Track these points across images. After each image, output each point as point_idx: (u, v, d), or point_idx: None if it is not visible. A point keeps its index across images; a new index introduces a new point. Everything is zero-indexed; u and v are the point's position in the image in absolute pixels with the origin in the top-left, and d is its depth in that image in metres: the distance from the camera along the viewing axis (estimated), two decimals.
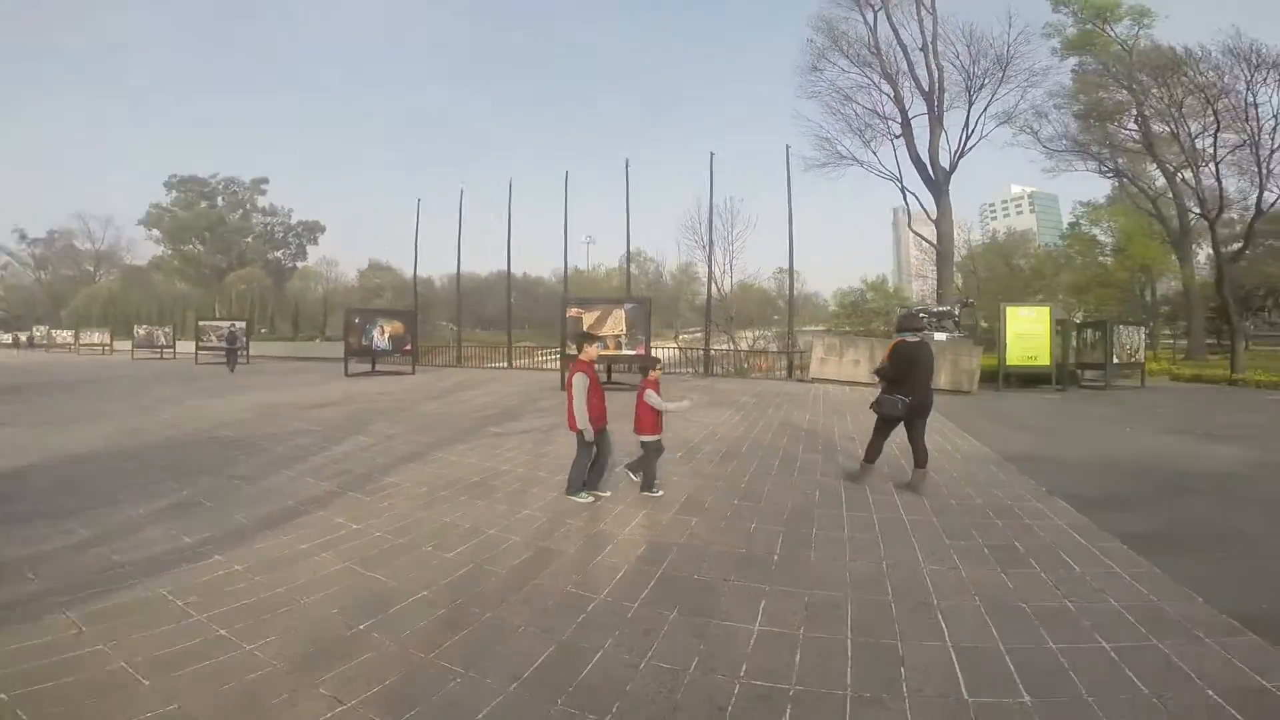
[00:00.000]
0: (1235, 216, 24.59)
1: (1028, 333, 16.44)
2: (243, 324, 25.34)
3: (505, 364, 21.59)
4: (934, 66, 21.79)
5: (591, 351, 5.08)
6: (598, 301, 15.23)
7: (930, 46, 21.74)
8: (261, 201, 61.61)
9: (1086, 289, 32.08)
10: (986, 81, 21.60)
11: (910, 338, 5.62)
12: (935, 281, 27.88)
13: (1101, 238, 34.19)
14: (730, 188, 58.95)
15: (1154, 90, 20.36)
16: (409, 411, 10.17)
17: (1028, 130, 24.06)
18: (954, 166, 21.18)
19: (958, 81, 22.05)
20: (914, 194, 21.86)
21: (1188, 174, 23.22)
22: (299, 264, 63.11)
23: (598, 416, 4.88)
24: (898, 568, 3.69)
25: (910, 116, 21.68)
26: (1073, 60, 25.02)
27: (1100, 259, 34.10)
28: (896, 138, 22.19)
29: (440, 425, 8.74)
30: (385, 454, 6.72)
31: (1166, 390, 16.07)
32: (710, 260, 19.61)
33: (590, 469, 5.04)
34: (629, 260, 23.09)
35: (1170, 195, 26.99)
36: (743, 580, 3.45)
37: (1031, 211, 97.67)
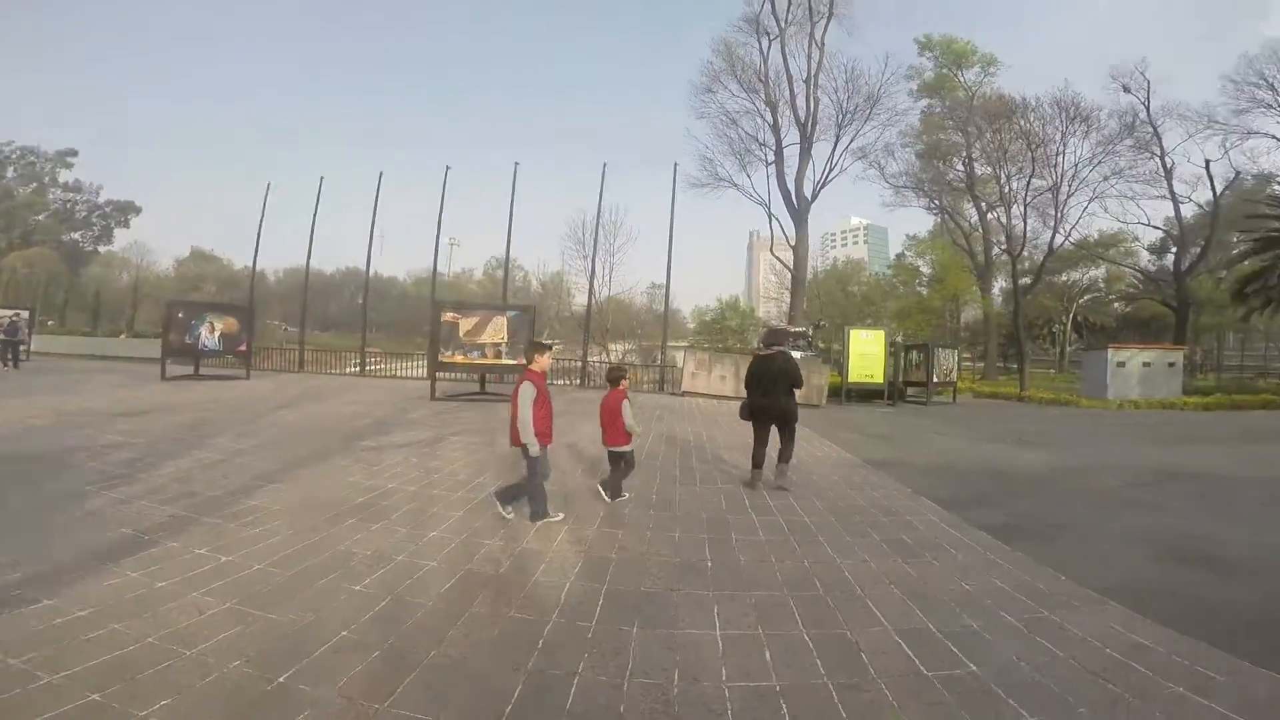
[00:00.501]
0: (1028, 254, 30.52)
1: (866, 353, 18.64)
2: (25, 313, 20.26)
3: (357, 370, 19.66)
4: (813, 99, 24.24)
5: (543, 361, 4.80)
6: (476, 307, 14.51)
7: (813, 79, 24.15)
8: (66, 176, 50.60)
9: (909, 315, 37.50)
10: (855, 117, 24.44)
11: (763, 351, 6.35)
12: (785, 304, 30.88)
13: (924, 269, 40.23)
14: (617, 200, 60.14)
15: (985, 134, 24.51)
16: (255, 422, 8.80)
17: (876, 166, 27.77)
18: (815, 196, 23.73)
19: (830, 115, 24.77)
20: (778, 219, 24.12)
21: (999, 213, 28.15)
22: (102, 248, 52.47)
23: (545, 431, 4.59)
24: (818, 564, 3.97)
25: (784, 145, 23.80)
26: (924, 102, 29.25)
27: (918, 288, 40.19)
28: (769, 164, 24.28)
29: (299, 439, 7.68)
30: (238, 472, 5.74)
31: (973, 405, 19.24)
32: (593, 271, 19.73)
33: (514, 484, 4.78)
34: (508, 265, 22.35)
35: (980, 232, 32.62)
36: (688, 588, 3.47)
37: (865, 242, 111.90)
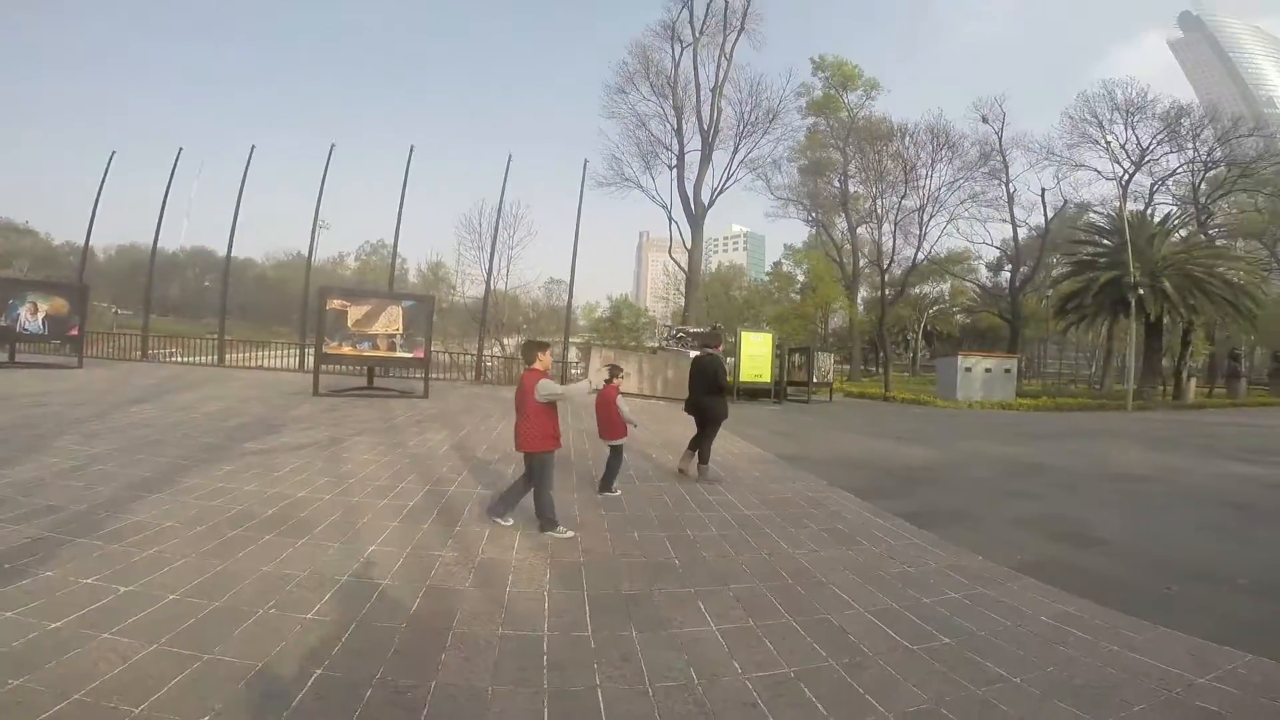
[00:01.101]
0: (891, 267, 33.96)
1: (757, 354, 19.74)
2: None
3: (215, 360, 17.29)
4: (717, 108, 25.26)
5: (545, 360, 4.56)
6: (367, 294, 13.40)
7: (719, 89, 25.11)
8: None
9: (786, 319, 40.39)
10: (755, 129, 25.92)
11: (695, 353, 6.81)
12: (673, 304, 31.96)
13: (800, 277, 43.45)
14: (521, 194, 57.91)
15: (862, 155, 26.96)
16: (106, 420, 7.44)
17: (763, 177, 29.62)
18: (712, 202, 24.84)
19: (732, 125, 26.08)
20: (676, 222, 24.90)
21: (869, 228, 31.12)
22: None
23: (554, 434, 4.41)
24: (775, 555, 4.19)
25: (685, 150, 24.65)
26: (810, 120, 31.49)
27: (792, 294, 43.41)
28: (672, 167, 24.95)
29: (168, 440, 6.62)
30: (103, 481, 4.84)
31: (847, 404, 21.12)
32: (491, 262, 18.93)
33: (509, 492, 4.59)
34: (396, 250, 20.73)
35: (850, 245, 35.91)
36: (667, 587, 3.51)
37: (745, 249, 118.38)
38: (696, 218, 22.51)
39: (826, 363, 22.61)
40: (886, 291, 40.19)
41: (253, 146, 18.94)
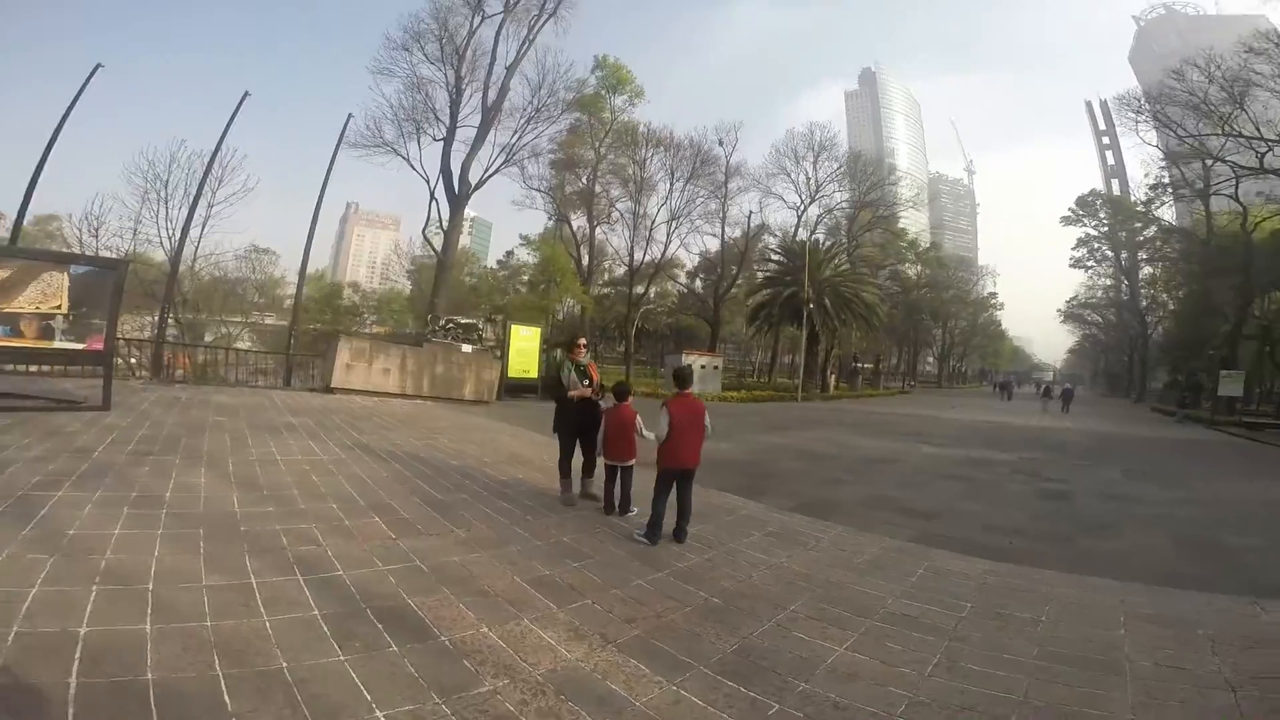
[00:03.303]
0: (612, 266, 36.84)
1: (525, 349, 19.69)
2: None
3: None
4: (508, 86, 23.72)
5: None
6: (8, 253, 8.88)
7: (516, 67, 23.46)
8: None
9: (519, 310, 40.57)
10: (537, 117, 25.19)
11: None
12: (394, 286, 29.32)
13: (533, 267, 43.90)
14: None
15: (614, 155, 28.44)
16: None
17: (519, 166, 29.20)
18: (481, 183, 23.35)
19: (517, 108, 24.85)
20: (437, 200, 22.60)
21: (606, 228, 33.30)
22: None
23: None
24: (768, 569, 4.40)
25: (460, 125, 22.63)
26: (574, 116, 31.77)
27: (518, 287, 43.87)
28: (437, 140, 22.44)
29: None
30: None
31: None
32: (188, 222, 13.79)
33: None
34: (29, 200, 13.63)
35: (588, 242, 37.83)
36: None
37: (470, 234, 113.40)
38: (460, 197, 20.92)
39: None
40: (609, 290, 44.13)
41: None
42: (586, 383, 5.77)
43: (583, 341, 6.17)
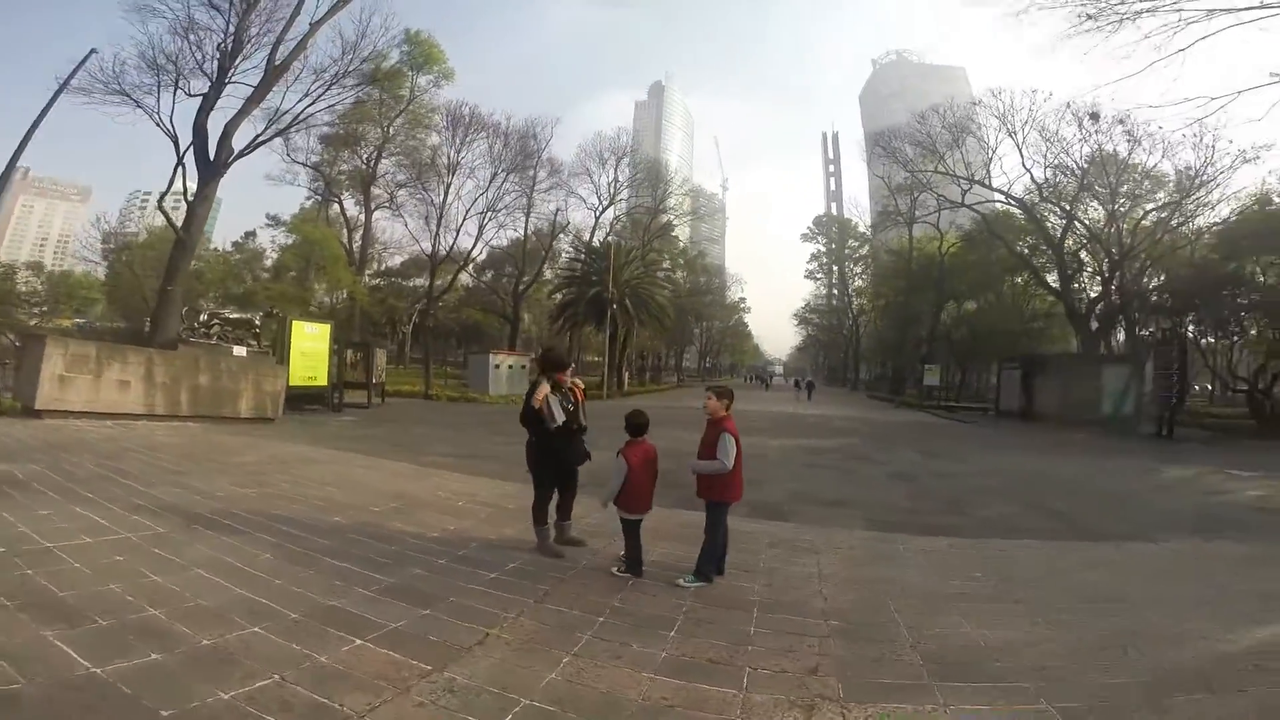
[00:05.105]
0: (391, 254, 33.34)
1: (311, 350, 16.61)
2: None
3: None
4: (309, 44, 18.67)
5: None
6: None
7: (324, 22, 18.44)
8: None
9: (269, 301, 34.26)
10: (336, 83, 20.56)
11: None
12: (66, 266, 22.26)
13: (274, 253, 37.42)
14: None
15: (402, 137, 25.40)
16: None
17: (286, 137, 24.17)
18: (249, 150, 18.19)
19: (314, 69, 19.83)
20: (184, 165, 17.11)
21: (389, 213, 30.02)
22: None
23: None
24: (771, 587, 4.42)
25: (231, 79, 17.09)
26: (366, 89, 27.08)
27: (261, 271, 37.07)
28: (193, 95, 16.81)
29: None
30: None
31: (406, 405, 20.22)
32: None
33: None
34: None
35: (362, 228, 33.46)
36: None
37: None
38: (216, 164, 16.18)
39: (383, 360, 21.01)
40: (380, 281, 39.80)
41: None
42: (570, 406, 4.96)
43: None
